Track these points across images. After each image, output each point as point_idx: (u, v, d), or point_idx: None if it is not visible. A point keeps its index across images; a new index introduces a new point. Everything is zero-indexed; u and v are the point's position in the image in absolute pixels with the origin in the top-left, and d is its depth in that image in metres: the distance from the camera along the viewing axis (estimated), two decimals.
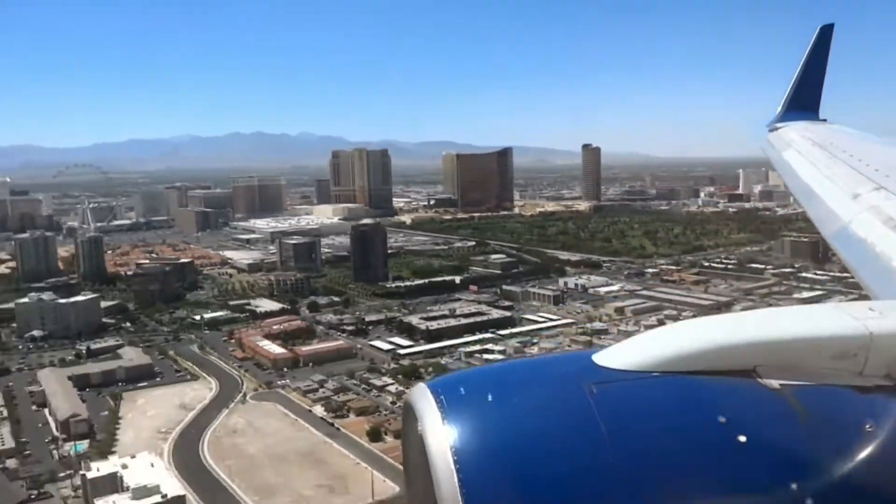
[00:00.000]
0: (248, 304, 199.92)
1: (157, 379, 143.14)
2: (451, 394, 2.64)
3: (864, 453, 2.46)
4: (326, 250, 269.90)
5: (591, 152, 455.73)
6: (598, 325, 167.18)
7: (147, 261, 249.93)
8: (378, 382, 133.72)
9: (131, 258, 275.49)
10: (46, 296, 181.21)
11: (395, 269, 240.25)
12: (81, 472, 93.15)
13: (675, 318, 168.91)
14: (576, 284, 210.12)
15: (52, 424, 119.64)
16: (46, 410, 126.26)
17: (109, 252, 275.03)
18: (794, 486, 2.40)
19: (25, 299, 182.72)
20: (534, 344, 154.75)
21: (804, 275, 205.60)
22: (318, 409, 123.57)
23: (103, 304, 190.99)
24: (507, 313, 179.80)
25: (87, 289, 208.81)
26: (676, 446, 2.48)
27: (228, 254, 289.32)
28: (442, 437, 2.48)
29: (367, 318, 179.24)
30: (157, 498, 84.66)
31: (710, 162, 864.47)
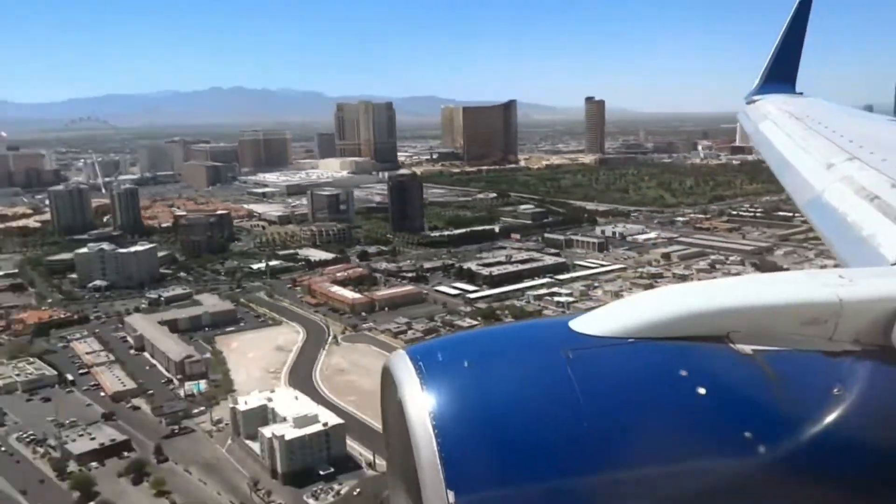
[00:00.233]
0: (297, 254, 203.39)
1: (241, 324, 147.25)
2: (429, 360, 2.66)
3: (831, 416, 2.55)
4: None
5: (594, 105, 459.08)
6: (651, 269, 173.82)
7: (185, 212, 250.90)
8: (463, 324, 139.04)
9: (156, 211, 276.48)
10: (107, 246, 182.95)
11: (427, 219, 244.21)
12: (232, 406, 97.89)
13: (724, 263, 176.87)
14: (613, 232, 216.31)
15: (161, 366, 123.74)
16: (147, 354, 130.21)
17: None
18: (763, 447, 2.48)
19: (84, 249, 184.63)
20: (596, 287, 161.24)
21: None
22: None
23: None
24: (560, 259, 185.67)
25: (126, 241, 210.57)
26: (651, 410, 2.55)
27: (251, 207, 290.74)
28: (421, 403, 2.50)
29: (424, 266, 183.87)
30: (319, 426, 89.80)
31: (697, 117, 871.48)
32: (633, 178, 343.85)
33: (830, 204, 6.23)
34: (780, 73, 15.77)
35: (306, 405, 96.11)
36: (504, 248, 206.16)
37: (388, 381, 2.74)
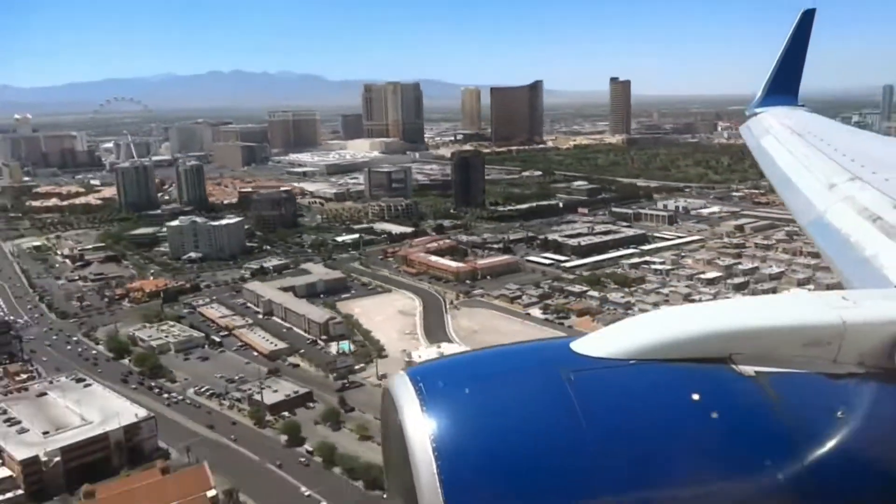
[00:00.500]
0: (372, 228, 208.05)
1: (352, 292, 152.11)
2: (430, 382, 2.64)
3: (835, 439, 2.52)
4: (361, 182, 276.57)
5: (619, 86, 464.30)
6: (734, 240, 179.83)
7: (250, 189, 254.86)
8: (574, 289, 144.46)
9: (210, 189, 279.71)
10: (199, 219, 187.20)
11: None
12: (407, 360, 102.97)
13: (800, 234, 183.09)
14: (676, 207, 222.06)
15: (298, 329, 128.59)
16: (276, 318, 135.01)
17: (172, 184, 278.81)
18: (767, 470, 2.45)
19: (176, 222, 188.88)
20: (684, 257, 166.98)
21: None
22: (536, 312, 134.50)
23: None
24: (639, 231, 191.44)
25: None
26: (653, 433, 2.52)
27: (301, 185, 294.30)
28: (421, 426, 2.48)
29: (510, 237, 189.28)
30: None
31: (702, 100, 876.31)
32: (667, 157, 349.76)
33: (833, 224, 6.15)
34: (783, 86, 15.79)
35: None
36: (573, 221, 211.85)
37: (388, 403, 2.71)
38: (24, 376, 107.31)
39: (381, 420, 2.90)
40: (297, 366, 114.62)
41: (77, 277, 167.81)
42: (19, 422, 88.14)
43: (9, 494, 77.57)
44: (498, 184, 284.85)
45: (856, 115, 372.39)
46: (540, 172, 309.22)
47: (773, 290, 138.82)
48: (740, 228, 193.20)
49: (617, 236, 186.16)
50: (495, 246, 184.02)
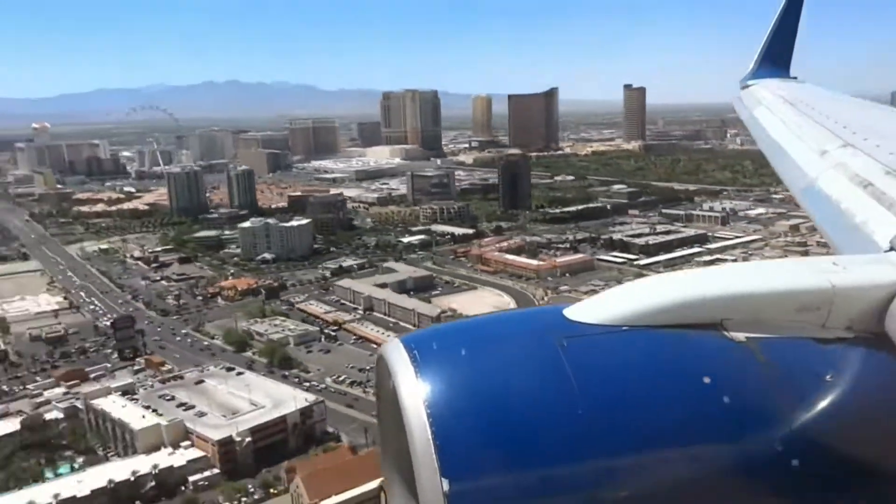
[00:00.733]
0: (430, 230, 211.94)
1: (439, 289, 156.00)
2: (424, 348, 2.62)
3: (824, 402, 2.55)
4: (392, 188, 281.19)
5: (634, 93, 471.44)
6: (795, 238, 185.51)
7: (300, 193, 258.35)
8: None
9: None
10: (271, 221, 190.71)
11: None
12: None
13: None
14: (723, 208, 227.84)
15: (405, 322, 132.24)
16: (377, 312, 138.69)
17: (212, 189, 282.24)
18: (756, 434, 2.48)
19: (247, 224, 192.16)
20: (751, 255, 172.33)
21: None
22: None
23: None
24: (700, 231, 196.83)
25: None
26: (644, 397, 2.54)
27: (342, 191, 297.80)
28: (415, 391, 2.48)
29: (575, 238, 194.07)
30: None
31: (700, 107, 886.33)
32: (691, 162, 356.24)
33: (824, 191, 6.17)
34: (775, 57, 15.58)
35: None
36: (625, 223, 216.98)
37: (382, 370, 2.70)
38: (168, 367, 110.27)
39: (376, 387, 2.89)
40: None
41: (159, 278, 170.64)
42: (193, 406, 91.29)
43: (206, 473, 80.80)
44: (535, 188, 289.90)
45: None
46: (572, 177, 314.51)
47: None
48: (795, 228, 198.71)
49: (679, 236, 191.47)
50: (561, 246, 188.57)
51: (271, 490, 79.82)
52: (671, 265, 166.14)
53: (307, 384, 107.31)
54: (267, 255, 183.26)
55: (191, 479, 79.72)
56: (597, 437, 2.43)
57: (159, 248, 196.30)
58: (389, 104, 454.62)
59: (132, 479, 76.77)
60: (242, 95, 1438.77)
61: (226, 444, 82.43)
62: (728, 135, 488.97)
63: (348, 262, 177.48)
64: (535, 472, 2.39)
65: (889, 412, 2.62)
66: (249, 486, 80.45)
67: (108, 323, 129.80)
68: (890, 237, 3.90)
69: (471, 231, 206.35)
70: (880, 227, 4.60)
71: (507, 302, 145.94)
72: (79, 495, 73.66)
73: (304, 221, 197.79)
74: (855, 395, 2.60)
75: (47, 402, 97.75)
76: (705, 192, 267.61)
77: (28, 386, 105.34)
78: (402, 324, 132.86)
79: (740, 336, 2.71)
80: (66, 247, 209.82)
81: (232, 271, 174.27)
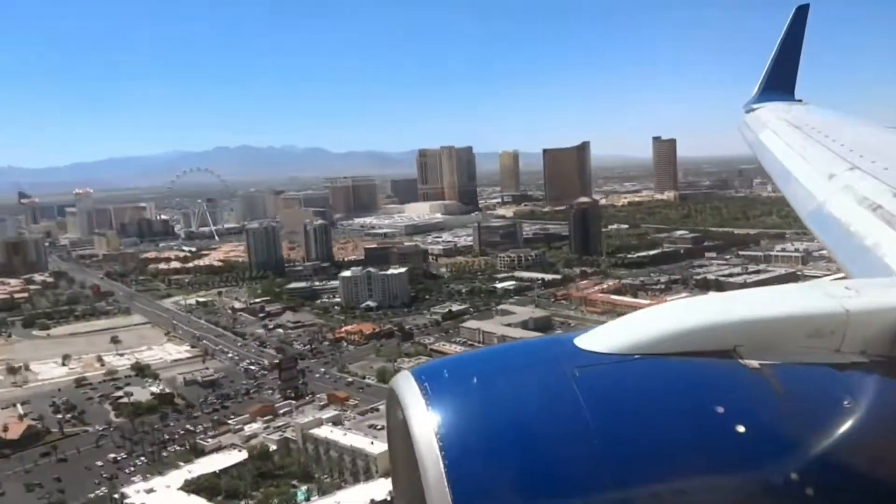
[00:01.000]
0: (514, 275, 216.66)
1: (558, 329, 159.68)
2: (434, 380, 2.60)
3: (841, 429, 2.49)
4: (448, 240, 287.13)
5: (664, 144, 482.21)
6: None
7: (375, 245, 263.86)
8: None
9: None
10: (372, 270, 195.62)
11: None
12: None
13: None
14: (795, 249, 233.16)
15: None
16: None
17: None
18: (774, 463, 2.43)
19: (348, 273, 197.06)
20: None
21: None
22: None
23: None
24: (790, 269, 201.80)
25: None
26: (659, 427, 2.49)
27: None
28: (426, 423, 2.44)
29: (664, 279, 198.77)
30: None
31: (708, 160, 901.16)
32: (734, 209, 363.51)
33: (833, 214, 6.10)
34: (779, 81, 15.61)
35: None
36: (704, 265, 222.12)
37: (392, 402, 2.67)
38: (354, 401, 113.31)
39: (387, 419, 2.80)
40: None
41: (273, 326, 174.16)
42: None
43: None
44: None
45: None
46: (626, 225, 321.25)
47: None
48: None
49: (772, 275, 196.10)
50: (654, 287, 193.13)
51: None
52: None
53: None
54: (371, 303, 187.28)
55: None
56: (610, 469, 2.38)
57: (258, 300, 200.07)
58: (426, 161, 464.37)
59: (388, 498, 79.31)
60: (254, 159, 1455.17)
61: None
62: (754, 183, 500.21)
63: (455, 307, 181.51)
64: None
65: None
66: None
67: (271, 364, 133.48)
68: None
69: (558, 276, 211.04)
70: (891, 249, 4.68)
71: None
72: None
73: (402, 270, 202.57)
74: (873, 420, 2.55)
75: (254, 435, 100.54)
76: (766, 236, 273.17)
77: (229, 421, 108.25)
78: None
79: (754, 363, 2.65)
80: (160, 301, 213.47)
81: (343, 318, 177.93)
